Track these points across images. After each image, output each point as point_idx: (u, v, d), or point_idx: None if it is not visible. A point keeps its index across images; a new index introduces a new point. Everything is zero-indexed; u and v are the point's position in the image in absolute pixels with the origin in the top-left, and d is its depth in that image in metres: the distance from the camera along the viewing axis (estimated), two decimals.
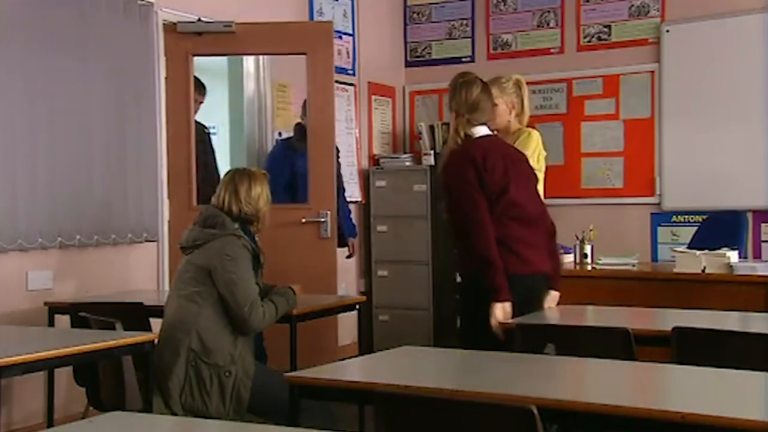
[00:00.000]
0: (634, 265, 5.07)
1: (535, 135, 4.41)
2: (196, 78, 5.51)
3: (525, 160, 3.89)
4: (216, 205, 3.76)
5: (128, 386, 3.46)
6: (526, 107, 4.41)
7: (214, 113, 6.18)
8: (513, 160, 3.76)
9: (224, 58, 6.65)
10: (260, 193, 3.77)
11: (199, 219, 3.75)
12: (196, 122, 5.54)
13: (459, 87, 3.78)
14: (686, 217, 6.39)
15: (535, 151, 4.32)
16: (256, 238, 3.95)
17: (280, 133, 6.22)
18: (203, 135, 5.69)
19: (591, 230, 5.19)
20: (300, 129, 5.65)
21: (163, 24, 5.28)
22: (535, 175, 3.95)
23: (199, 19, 5.36)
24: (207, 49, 5.41)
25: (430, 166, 6.72)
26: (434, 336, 6.65)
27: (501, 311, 3.51)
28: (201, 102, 5.59)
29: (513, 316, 3.50)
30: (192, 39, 5.33)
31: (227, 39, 5.33)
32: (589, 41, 6.78)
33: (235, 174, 3.82)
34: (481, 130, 3.75)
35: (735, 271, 4.60)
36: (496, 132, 3.96)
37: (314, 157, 5.42)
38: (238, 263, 3.56)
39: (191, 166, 5.36)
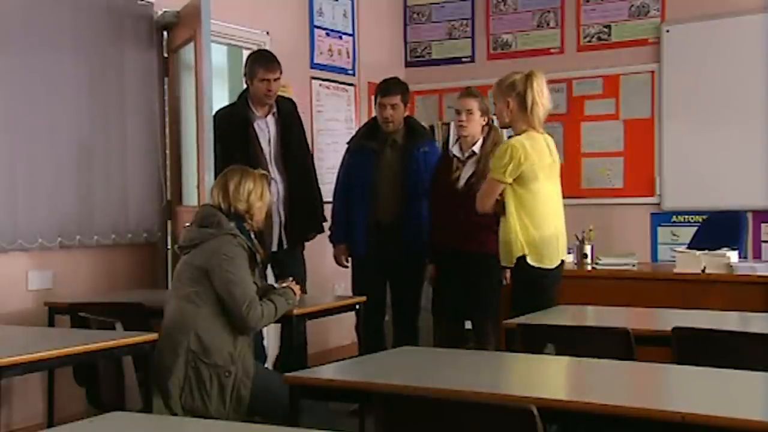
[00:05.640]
0: (634, 265, 5.07)
1: (503, 149, 3.95)
2: (259, 51, 5.05)
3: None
4: (211, 204, 3.76)
5: (128, 386, 3.46)
6: (529, 105, 3.97)
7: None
8: None
9: (224, 58, 6.65)
10: (252, 189, 3.75)
11: (195, 219, 3.74)
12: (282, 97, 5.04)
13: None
14: (686, 217, 6.39)
15: (498, 161, 3.94)
16: (252, 236, 3.93)
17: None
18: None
19: (591, 230, 5.18)
20: None
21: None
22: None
23: (165, 12, 5.15)
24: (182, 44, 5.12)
25: None
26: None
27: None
28: (275, 79, 4.85)
29: None
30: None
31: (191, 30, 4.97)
32: (589, 41, 6.78)
33: (227, 171, 3.81)
34: None
35: (735, 271, 4.60)
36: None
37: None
38: (235, 262, 3.56)
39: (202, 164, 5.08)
